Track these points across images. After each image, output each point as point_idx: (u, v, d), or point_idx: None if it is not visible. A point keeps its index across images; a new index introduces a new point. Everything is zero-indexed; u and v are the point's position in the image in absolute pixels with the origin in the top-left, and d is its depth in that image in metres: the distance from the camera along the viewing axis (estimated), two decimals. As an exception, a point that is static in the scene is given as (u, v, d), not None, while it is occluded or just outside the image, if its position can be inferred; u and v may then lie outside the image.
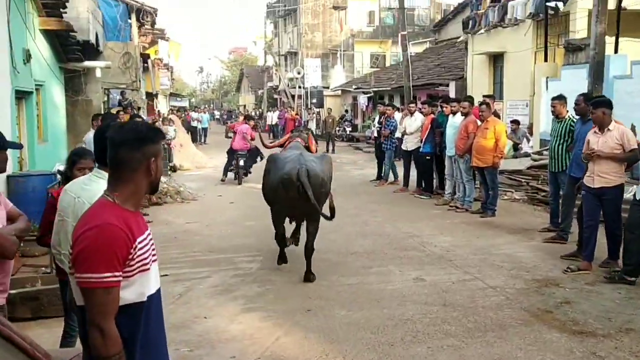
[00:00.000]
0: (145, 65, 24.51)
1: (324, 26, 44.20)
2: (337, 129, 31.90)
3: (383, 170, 14.96)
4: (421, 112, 13.30)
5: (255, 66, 65.75)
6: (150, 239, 2.39)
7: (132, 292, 2.26)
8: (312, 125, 30.68)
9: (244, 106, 67.91)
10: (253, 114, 49.02)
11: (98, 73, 13.69)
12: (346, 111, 35.26)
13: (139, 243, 2.29)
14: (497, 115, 11.25)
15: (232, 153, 16.07)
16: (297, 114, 34.08)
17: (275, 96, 54.16)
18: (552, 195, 9.03)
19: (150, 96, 28.55)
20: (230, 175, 16.19)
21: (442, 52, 29.27)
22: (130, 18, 16.74)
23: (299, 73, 39.30)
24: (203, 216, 11.17)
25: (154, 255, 2.40)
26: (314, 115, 31.05)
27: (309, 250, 6.79)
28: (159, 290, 2.44)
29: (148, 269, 2.33)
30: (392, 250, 8.26)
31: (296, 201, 6.54)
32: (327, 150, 25.06)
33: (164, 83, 36.67)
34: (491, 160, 10.29)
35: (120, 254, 2.20)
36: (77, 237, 2.21)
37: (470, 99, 11.26)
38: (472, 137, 10.57)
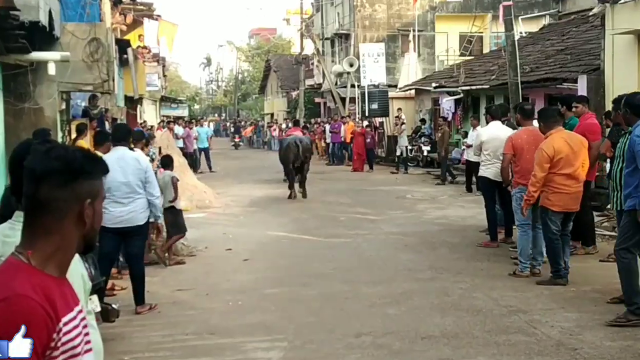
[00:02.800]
0: (124, 56, 25.10)
1: (390, -5, 44.73)
2: (409, 146, 31.96)
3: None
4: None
5: (288, 56, 66.55)
6: (83, 319, 2.40)
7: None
8: (404, 142, 30.95)
9: (271, 115, 68.77)
10: (287, 123, 49.75)
11: (51, 69, 13.99)
12: (422, 121, 35.31)
13: (65, 325, 2.30)
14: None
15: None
16: (367, 126, 34.13)
17: (317, 99, 54.75)
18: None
19: (132, 102, 29.20)
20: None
21: (568, 31, 29.10)
22: (100, -12, 17.22)
23: (351, 65, 39.64)
24: (202, 281, 11.28)
25: (87, 342, 2.40)
26: (401, 126, 31.24)
27: (304, 179, 21.47)
28: None
29: (78, 364, 2.34)
30: (485, 333, 8.16)
31: (295, 156, 20.99)
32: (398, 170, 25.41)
33: (153, 82, 37.56)
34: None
35: (38, 341, 2.20)
36: None
37: (583, 100, 11.52)
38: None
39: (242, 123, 71.16)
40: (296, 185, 21.71)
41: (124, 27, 21.90)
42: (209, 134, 37.05)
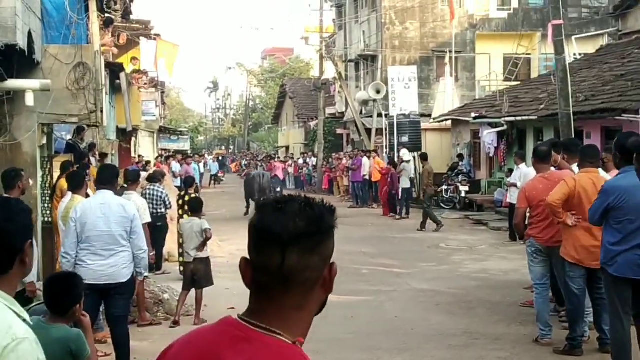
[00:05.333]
0: (117, 82, 25.32)
1: (423, 12, 44.91)
2: (444, 187, 31.85)
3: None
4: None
5: (305, 80, 66.78)
6: None
7: None
8: (404, 184, 30.61)
9: (287, 148, 68.95)
10: (304, 159, 50.03)
11: (29, 100, 14.00)
12: (459, 157, 35.22)
13: None
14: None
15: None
16: (390, 166, 33.38)
17: (340, 130, 54.77)
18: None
19: (125, 134, 29.37)
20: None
21: (629, 53, 28.99)
22: (87, 5, 17.29)
23: (378, 92, 39.67)
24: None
25: None
26: (400, 164, 30.96)
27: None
28: None
29: None
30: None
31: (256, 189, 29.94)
32: (421, 229, 25.30)
33: (150, 111, 37.79)
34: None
35: None
36: None
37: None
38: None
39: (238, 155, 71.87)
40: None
41: (115, 50, 22.01)
42: (214, 170, 37.15)
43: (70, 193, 11.18)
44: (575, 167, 11.03)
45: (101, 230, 8.98)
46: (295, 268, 2.44)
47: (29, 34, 14.40)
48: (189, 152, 52.97)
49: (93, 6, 17.39)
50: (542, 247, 10.58)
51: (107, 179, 9.48)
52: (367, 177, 35.96)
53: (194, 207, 13.48)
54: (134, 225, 9.17)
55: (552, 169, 11.20)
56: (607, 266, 8.52)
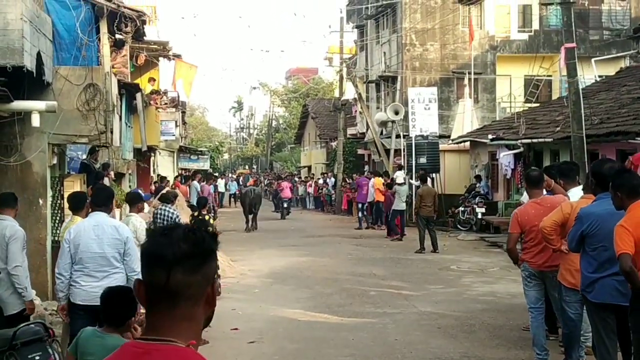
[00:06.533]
0: (135, 102, 25.47)
1: (443, 33, 44.98)
2: (461, 209, 31.84)
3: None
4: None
5: (326, 100, 66.98)
6: None
7: None
8: (398, 205, 30.65)
9: (309, 168, 69.09)
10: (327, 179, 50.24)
11: (35, 121, 14.18)
12: (477, 178, 35.18)
13: None
14: None
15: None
16: (385, 184, 33.71)
17: (361, 151, 54.91)
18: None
19: (142, 153, 29.52)
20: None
21: (648, 76, 28.95)
22: (97, 27, 17.44)
23: (396, 113, 39.77)
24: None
25: None
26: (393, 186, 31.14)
27: (254, 216, 35.98)
28: None
29: None
30: None
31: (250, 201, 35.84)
32: (434, 250, 25.45)
33: (169, 131, 38.01)
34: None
35: None
36: None
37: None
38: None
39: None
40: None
41: (126, 71, 22.17)
42: (233, 189, 37.23)
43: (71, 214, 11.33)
44: (577, 190, 10.98)
45: (94, 251, 9.06)
46: (179, 285, 2.77)
47: (39, 55, 14.60)
48: (210, 171, 53.07)
49: (104, 28, 17.56)
50: (535, 272, 10.57)
51: (102, 201, 9.53)
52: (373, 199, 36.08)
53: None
54: (127, 247, 9.23)
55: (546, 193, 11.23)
56: (586, 293, 8.57)
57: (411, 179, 34.33)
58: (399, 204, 30.26)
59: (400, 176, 32.19)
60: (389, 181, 33.41)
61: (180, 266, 2.76)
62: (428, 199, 26.18)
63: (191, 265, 2.79)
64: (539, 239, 10.22)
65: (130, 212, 14.05)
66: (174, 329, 2.79)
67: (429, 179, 34.07)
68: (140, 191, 21.32)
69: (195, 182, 37.02)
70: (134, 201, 14.04)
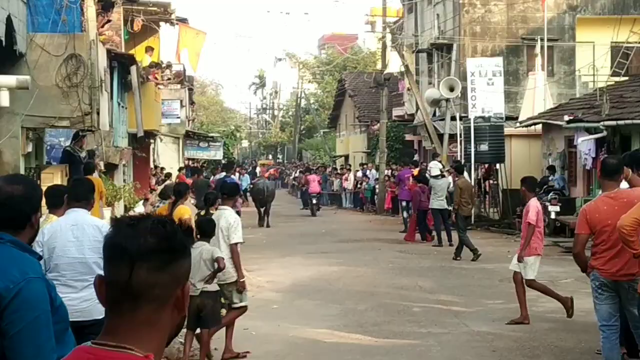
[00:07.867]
0: (127, 77, 25.63)
1: (509, -7, 44.77)
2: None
3: None
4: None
5: (366, 74, 66.58)
6: None
7: None
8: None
9: (345, 158, 68.93)
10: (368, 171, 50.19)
11: (4, 100, 14.20)
12: (550, 169, 34.96)
13: None
14: None
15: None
16: (421, 182, 33.16)
17: (409, 137, 54.61)
18: None
19: (138, 140, 29.74)
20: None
21: None
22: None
23: (451, 89, 39.58)
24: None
25: None
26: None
27: (267, 213, 41.18)
28: None
29: None
30: None
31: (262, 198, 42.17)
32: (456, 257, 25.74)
33: (173, 113, 38.14)
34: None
35: None
36: None
37: None
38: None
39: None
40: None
41: (117, 40, 22.31)
42: (245, 184, 37.42)
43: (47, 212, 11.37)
44: None
45: (73, 257, 8.89)
46: (143, 284, 2.82)
47: (9, 19, 14.68)
48: (224, 161, 53.08)
49: (89, -13, 17.67)
50: (607, 282, 10.51)
51: (82, 195, 9.39)
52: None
53: (205, 230, 13.34)
54: None
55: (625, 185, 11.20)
56: None
57: (468, 170, 34.08)
58: (436, 202, 29.71)
59: (435, 167, 31.93)
60: (415, 173, 33.27)
61: (145, 262, 2.82)
62: (467, 193, 26.24)
63: (158, 262, 2.84)
64: (612, 242, 10.17)
65: (223, 205, 14.36)
66: (134, 334, 2.86)
67: (494, 170, 34.12)
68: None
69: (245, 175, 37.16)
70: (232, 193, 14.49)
